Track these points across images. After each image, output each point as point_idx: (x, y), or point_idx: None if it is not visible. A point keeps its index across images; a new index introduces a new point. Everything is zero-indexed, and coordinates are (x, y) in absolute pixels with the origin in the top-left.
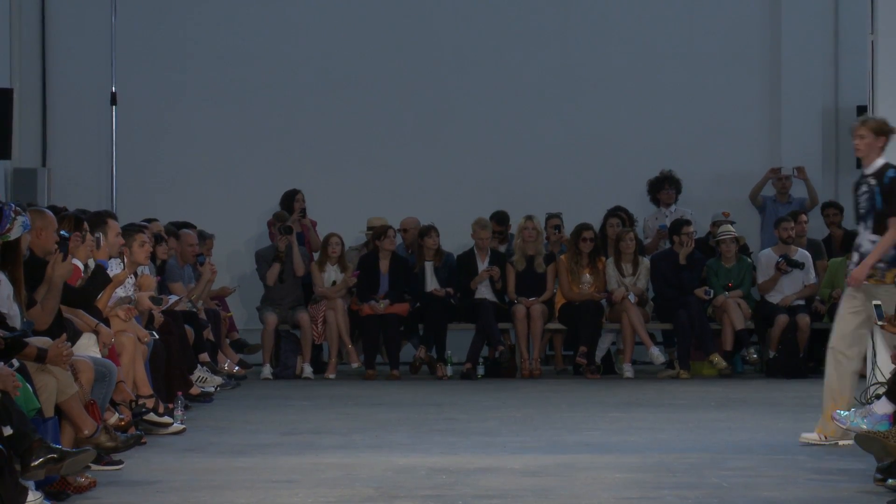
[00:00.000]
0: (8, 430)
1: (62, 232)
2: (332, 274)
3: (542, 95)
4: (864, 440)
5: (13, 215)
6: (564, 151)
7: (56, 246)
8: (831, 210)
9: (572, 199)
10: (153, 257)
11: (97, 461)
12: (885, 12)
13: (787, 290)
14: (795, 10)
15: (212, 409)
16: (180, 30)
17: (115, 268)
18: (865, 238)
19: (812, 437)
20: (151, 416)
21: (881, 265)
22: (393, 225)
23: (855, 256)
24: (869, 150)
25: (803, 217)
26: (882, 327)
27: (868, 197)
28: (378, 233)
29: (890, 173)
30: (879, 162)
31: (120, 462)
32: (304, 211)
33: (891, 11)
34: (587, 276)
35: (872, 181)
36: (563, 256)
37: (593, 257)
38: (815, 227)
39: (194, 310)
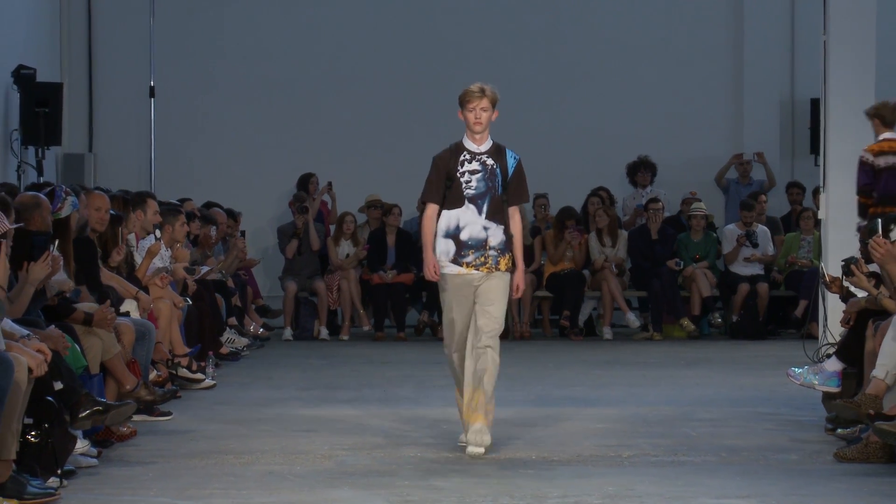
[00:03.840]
0: (58, 385)
1: (112, 211)
2: (345, 248)
3: (532, 88)
4: (841, 408)
5: (64, 195)
6: (551, 139)
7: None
8: (795, 189)
9: (558, 182)
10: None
11: (150, 412)
12: (836, 16)
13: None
14: (756, 13)
15: (239, 367)
16: (211, 31)
17: (151, 241)
18: (479, 224)
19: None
20: (185, 373)
21: (493, 253)
22: (399, 203)
23: (448, 243)
24: (488, 124)
25: (762, 197)
26: (828, 286)
27: (483, 177)
28: (386, 209)
29: (512, 157)
30: (491, 140)
31: (169, 413)
32: (330, 184)
33: (841, 16)
34: (568, 253)
35: (490, 161)
36: (548, 232)
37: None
38: (774, 205)
39: (224, 279)
